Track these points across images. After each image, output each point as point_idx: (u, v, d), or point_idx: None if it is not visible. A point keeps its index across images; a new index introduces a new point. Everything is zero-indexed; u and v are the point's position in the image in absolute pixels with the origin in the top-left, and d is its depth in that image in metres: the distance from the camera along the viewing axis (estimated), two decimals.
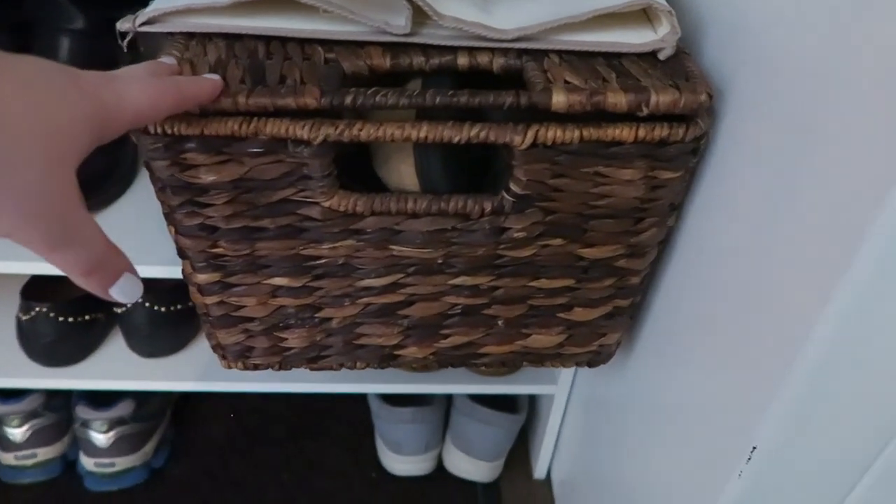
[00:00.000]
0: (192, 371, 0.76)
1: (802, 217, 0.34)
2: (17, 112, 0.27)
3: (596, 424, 0.71)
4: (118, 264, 0.32)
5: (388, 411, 0.84)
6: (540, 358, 0.56)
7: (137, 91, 0.33)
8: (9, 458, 0.83)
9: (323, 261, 0.47)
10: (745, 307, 0.40)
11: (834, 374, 0.34)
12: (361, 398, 0.94)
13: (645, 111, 0.40)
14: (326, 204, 0.44)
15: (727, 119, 0.42)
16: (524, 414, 0.85)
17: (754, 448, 0.37)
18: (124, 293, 0.33)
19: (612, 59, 0.43)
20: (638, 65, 0.42)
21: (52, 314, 0.72)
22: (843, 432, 0.36)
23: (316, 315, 0.51)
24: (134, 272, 0.33)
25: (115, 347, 0.77)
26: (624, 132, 0.40)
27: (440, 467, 0.89)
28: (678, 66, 0.42)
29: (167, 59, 0.40)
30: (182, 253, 0.47)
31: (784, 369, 0.34)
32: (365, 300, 0.50)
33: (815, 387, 0.34)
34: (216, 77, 0.39)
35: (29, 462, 0.84)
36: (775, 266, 0.37)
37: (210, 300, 0.50)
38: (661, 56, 0.43)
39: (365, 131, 0.40)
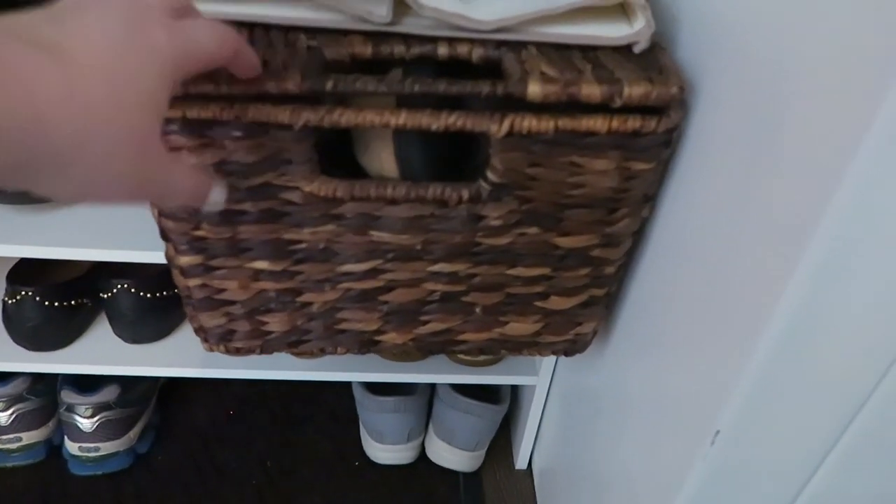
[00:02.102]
0: (178, 357, 0.76)
1: (767, 208, 0.35)
2: (103, 112, 0.26)
3: (575, 414, 0.72)
4: (206, 187, 0.34)
5: (371, 400, 0.84)
6: (517, 346, 0.57)
7: (205, 33, 0.32)
8: None
9: (303, 245, 0.48)
10: (712, 296, 0.41)
11: (793, 357, 0.35)
12: (345, 387, 0.95)
13: (618, 102, 0.41)
14: (307, 189, 0.45)
15: (699, 112, 0.43)
16: (506, 404, 0.86)
17: (718, 432, 0.38)
18: (214, 205, 0.35)
19: (588, 51, 0.44)
20: (613, 57, 0.43)
21: (37, 298, 0.72)
22: (804, 416, 0.37)
23: (297, 299, 0.52)
24: (219, 184, 0.35)
25: (101, 332, 0.78)
26: (598, 123, 0.41)
27: (423, 456, 0.90)
28: (652, 59, 0.43)
29: None
30: (165, 235, 0.48)
31: (744, 354, 0.35)
32: (345, 285, 0.51)
33: (775, 371, 0.35)
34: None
35: (13, 446, 0.84)
36: (739, 256, 0.38)
37: (192, 283, 0.51)
38: (636, 49, 0.44)
39: (345, 117, 0.41)
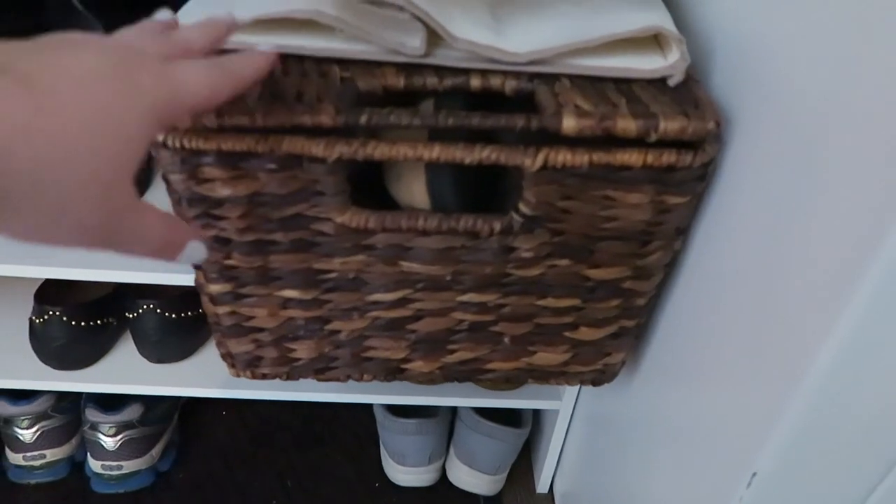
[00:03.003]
0: (200, 377, 0.77)
1: (806, 244, 0.35)
2: (72, 151, 0.25)
3: (599, 441, 0.72)
4: (180, 239, 0.32)
5: (392, 422, 0.84)
6: (545, 375, 0.57)
7: (196, 80, 0.31)
8: (17, 459, 0.84)
9: (333, 275, 0.48)
10: (749, 332, 0.40)
11: (836, 401, 0.34)
12: (367, 408, 0.95)
13: (654, 137, 0.40)
14: (339, 220, 0.44)
15: (734, 146, 0.43)
16: (528, 428, 0.86)
17: (754, 474, 0.38)
18: (189, 259, 0.33)
19: (622, 84, 0.44)
20: (647, 91, 0.43)
21: (64, 318, 0.73)
22: (845, 461, 0.37)
23: (325, 327, 0.52)
24: (197, 237, 0.33)
25: (126, 352, 0.78)
26: (633, 157, 0.41)
27: (443, 479, 0.89)
28: (687, 92, 0.43)
29: (220, 17, 0.37)
30: (195, 263, 0.48)
31: (786, 396, 0.35)
32: (373, 314, 0.51)
33: (817, 414, 0.35)
34: (267, 50, 0.36)
35: (37, 463, 0.84)
36: (779, 292, 0.37)
37: (222, 310, 0.51)
38: (671, 82, 0.43)
39: (379, 150, 0.41)
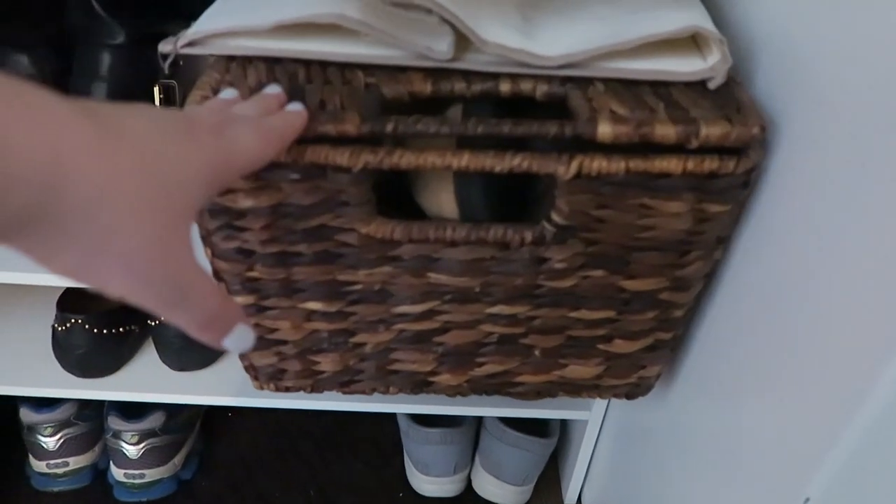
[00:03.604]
0: (223, 385, 0.76)
1: (860, 256, 0.32)
2: (128, 176, 0.26)
3: (630, 453, 0.70)
4: (231, 318, 0.31)
5: (417, 431, 0.83)
6: (577, 388, 0.55)
7: (250, 140, 0.33)
8: (41, 466, 0.84)
9: (358, 286, 0.47)
10: (797, 349, 0.38)
11: None
12: (391, 417, 0.93)
13: (695, 144, 0.38)
14: (364, 231, 0.43)
15: (781, 150, 0.41)
16: (555, 438, 0.84)
17: (807, 500, 0.36)
18: (236, 344, 0.32)
19: (660, 87, 0.42)
20: (686, 94, 0.41)
21: (86, 326, 0.73)
22: None
23: (350, 340, 0.51)
24: (246, 322, 0.32)
25: (148, 360, 0.78)
26: (672, 164, 0.39)
27: (468, 489, 0.88)
28: (729, 96, 0.41)
29: (272, 90, 0.39)
30: (218, 275, 0.47)
31: (843, 419, 0.33)
32: (399, 326, 0.49)
33: (879, 438, 0.32)
34: (300, 108, 0.38)
35: (60, 470, 0.84)
36: (832, 307, 0.35)
37: None
38: (711, 85, 0.41)
39: (405, 159, 0.39)
